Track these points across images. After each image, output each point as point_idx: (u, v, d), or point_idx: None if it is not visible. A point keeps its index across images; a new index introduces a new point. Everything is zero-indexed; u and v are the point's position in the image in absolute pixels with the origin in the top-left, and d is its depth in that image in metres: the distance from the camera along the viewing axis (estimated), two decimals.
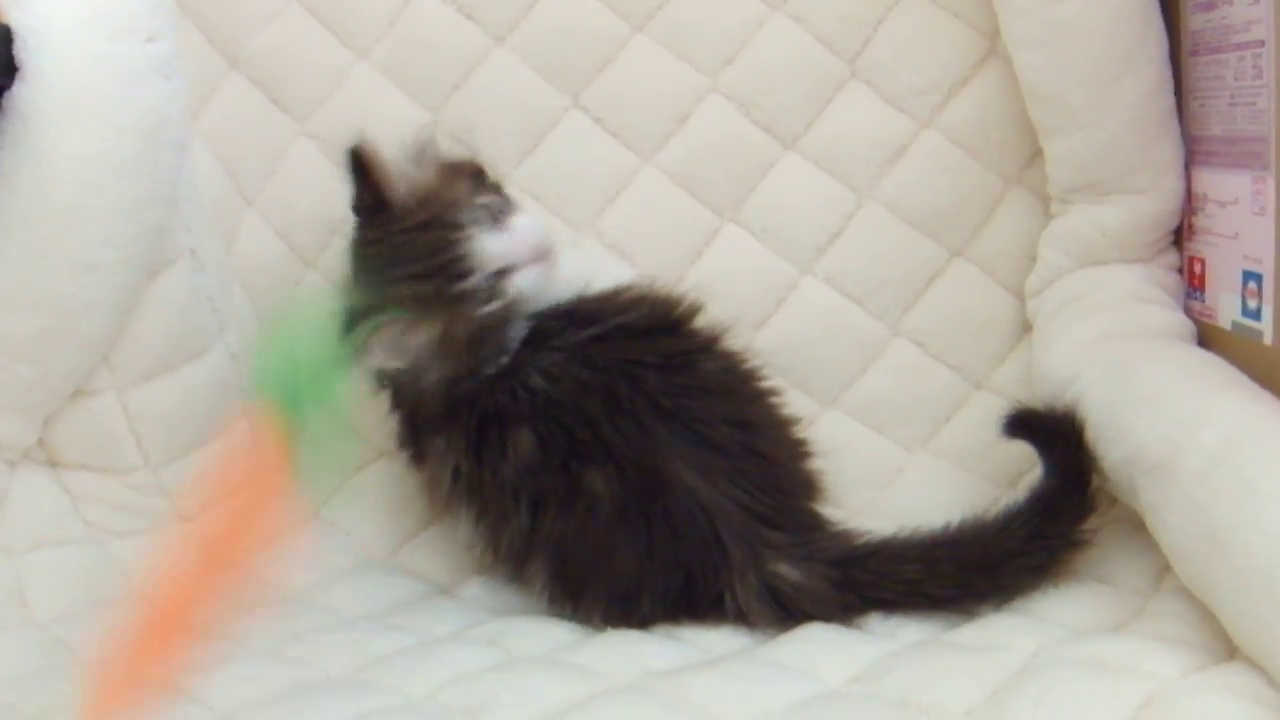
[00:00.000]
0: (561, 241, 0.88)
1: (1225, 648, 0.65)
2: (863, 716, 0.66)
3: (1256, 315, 0.82)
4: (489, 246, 0.81)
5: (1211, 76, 0.87)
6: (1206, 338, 0.89)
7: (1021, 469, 0.91)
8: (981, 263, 0.99)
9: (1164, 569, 0.73)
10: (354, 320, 0.80)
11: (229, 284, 0.92)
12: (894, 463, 0.97)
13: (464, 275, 0.81)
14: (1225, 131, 0.85)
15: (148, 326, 0.85)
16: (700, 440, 0.79)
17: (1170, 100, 0.90)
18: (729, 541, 0.78)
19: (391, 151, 0.85)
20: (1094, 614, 0.73)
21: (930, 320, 0.99)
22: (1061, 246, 0.95)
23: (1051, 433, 0.80)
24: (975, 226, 0.99)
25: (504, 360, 0.81)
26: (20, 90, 0.77)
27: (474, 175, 0.86)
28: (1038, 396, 0.90)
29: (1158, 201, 0.91)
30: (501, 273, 0.82)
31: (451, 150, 0.88)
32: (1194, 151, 0.91)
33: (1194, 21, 0.88)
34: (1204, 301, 0.90)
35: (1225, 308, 0.86)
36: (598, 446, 0.78)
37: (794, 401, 0.93)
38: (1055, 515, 0.78)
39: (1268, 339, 0.80)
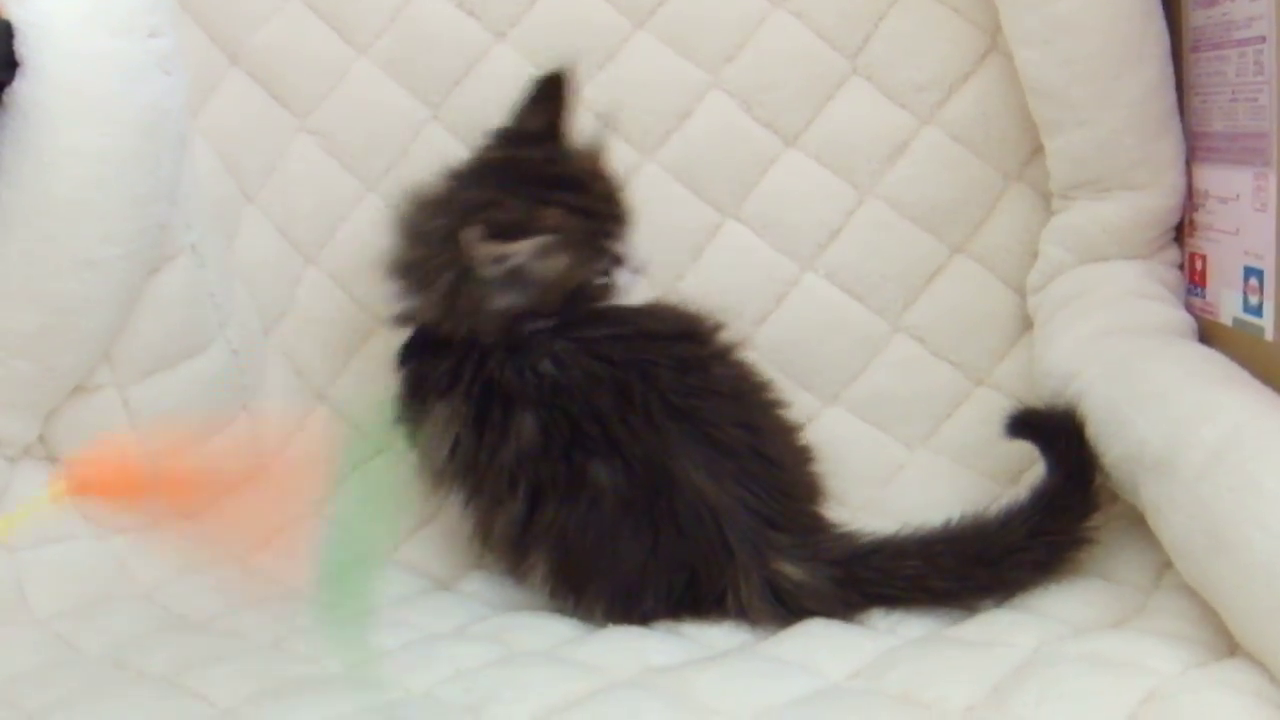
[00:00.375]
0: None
1: (1226, 644, 0.65)
2: (864, 712, 0.66)
3: (1258, 311, 0.82)
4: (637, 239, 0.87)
5: (1213, 72, 0.86)
6: (1208, 334, 0.89)
7: (1022, 465, 0.91)
8: (982, 259, 0.99)
9: (1165, 565, 0.73)
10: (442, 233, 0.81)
11: (230, 280, 0.92)
12: (894, 459, 0.97)
13: (618, 236, 0.85)
14: (1226, 127, 0.85)
15: (148, 323, 0.85)
16: (709, 441, 0.79)
17: (1171, 96, 0.90)
18: (734, 541, 0.78)
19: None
20: (1095, 610, 0.73)
21: (931, 316, 0.99)
22: (1062, 242, 0.95)
23: (1053, 431, 0.80)
24: (976, 222, 0.99)
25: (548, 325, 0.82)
26: (21, 86, 0.77)
27: None
28: (1039, 393, 0.90)
29: (1159, 197, 0.91)
30: (632, 260, 0.86)
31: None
32: (1195, 147, 0.91)
33: (1195, 18, 0.88)
34: (1205, 298, 0.90)
35: (1226, 304, 0.86)
36: (604, 440, 0.78)
37: (795, 398, 0.93)
38: (1058, 512, 0.78)
39: (1269, 335, 0.80)
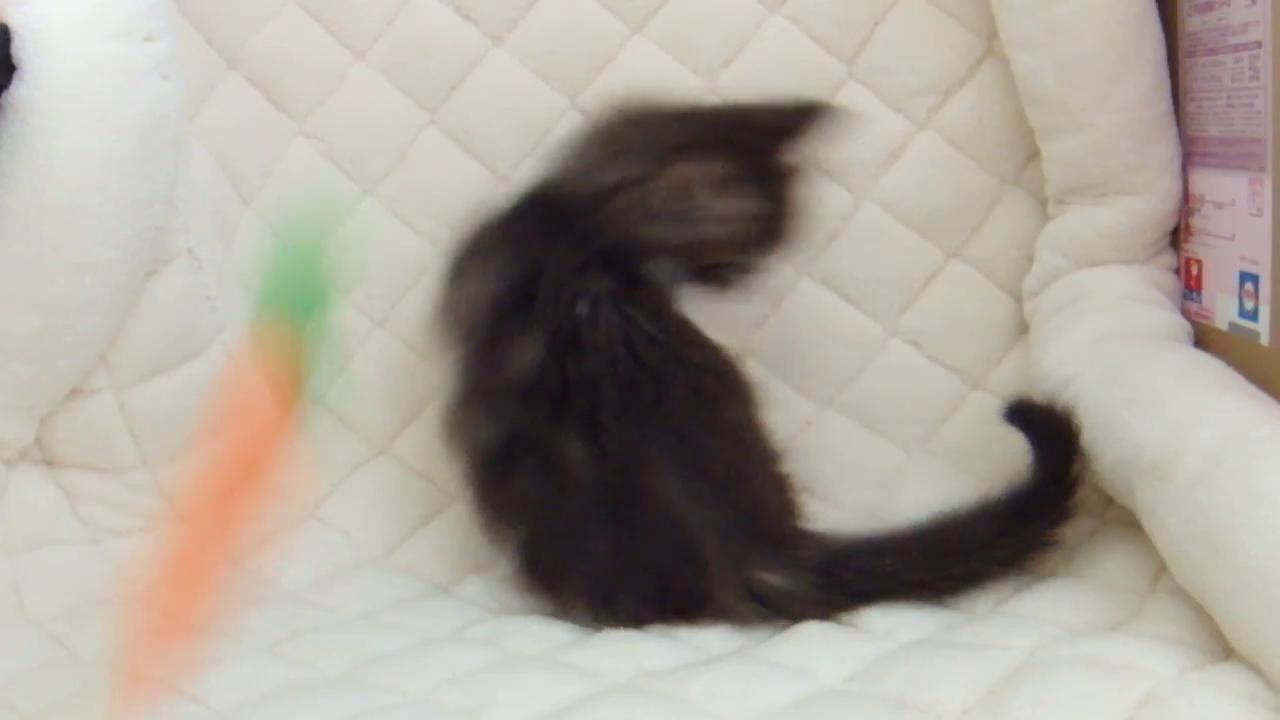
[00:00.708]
0: None
1: (1222, 648, 0.65)
2: (860, 715, 0.66)
3: (1253, 316, 0.82)
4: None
5: (1209, 78, 0.87)
6: (1203, 339, 0.89)
7: (1018, 469, 0.91)
8: (978, 263, 0.99)
9: (1160, 569, 0.73)
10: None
11: (228, 283, 0.92)
12: (891, 463, 0.97)
13: (779, 240, 0.87)
14: (1222, 133, 0.86)
15: (145, 326, 0.85)
16: (693, 473, 0.79)
17: (1167, 101, 0.90)
18: (709, 554, 0.78)
19: None
20: (1091, 614, 0.74)
21: (927, 321, 0.99)
22: (1058, 247, 0.95)
23: (1046, 430, 0.80)
24: (972, 227, 0.99)
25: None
26: (19, 89, 0.77)
27: None
28: (1035, 397, 0.90)
29: (1155, 202, 0.91)
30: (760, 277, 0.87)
31: None
32: (1191, 153, 0.91)
33: (1191, 23, 0.89)
34: (1201, 303, 0.90)
35: (1222, 309, 0.87)
36: (587, 421, 0.77)
37: (791, 401, 0.93)
38: (1028, 515, 0.79)
39: (1264, 340, 0.81)
